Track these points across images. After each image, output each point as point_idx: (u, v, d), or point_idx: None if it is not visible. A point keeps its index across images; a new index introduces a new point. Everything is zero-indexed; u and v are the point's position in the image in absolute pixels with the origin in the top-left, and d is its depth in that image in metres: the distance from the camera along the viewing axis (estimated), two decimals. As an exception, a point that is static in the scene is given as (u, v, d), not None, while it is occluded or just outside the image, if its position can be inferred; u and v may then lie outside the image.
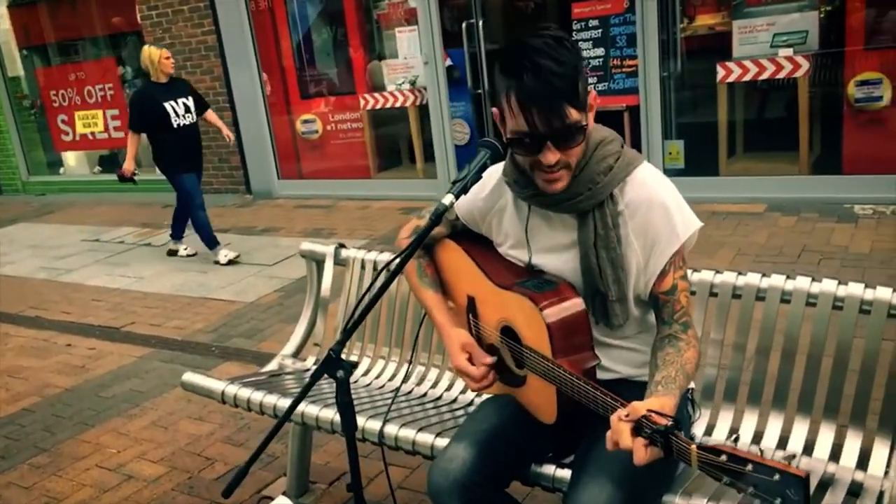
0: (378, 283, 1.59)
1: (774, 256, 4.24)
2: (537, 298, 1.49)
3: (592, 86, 5.98)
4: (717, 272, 1.86)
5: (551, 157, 1.43)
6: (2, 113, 9.44)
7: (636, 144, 5.68)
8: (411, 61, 6.66)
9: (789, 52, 5.11)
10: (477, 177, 1.43)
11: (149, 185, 8.55)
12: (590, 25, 5.99)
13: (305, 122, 7.40)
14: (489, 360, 1.65)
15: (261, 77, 7.33)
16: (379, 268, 2.35)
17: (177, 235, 5.93)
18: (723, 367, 1.86)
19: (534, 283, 1.55)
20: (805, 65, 5.05)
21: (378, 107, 6.93)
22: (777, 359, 1.78)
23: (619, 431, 1.26)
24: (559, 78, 1.38)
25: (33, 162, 9.74)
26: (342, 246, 2.54)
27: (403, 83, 6.77)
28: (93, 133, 8.91)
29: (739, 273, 1.83)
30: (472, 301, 1.73)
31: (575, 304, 1.51)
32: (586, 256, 1.53)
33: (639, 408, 1.26)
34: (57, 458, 3.05)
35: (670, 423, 1.20)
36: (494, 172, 1.65)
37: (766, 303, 1.79)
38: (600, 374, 1.64)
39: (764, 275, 1.79)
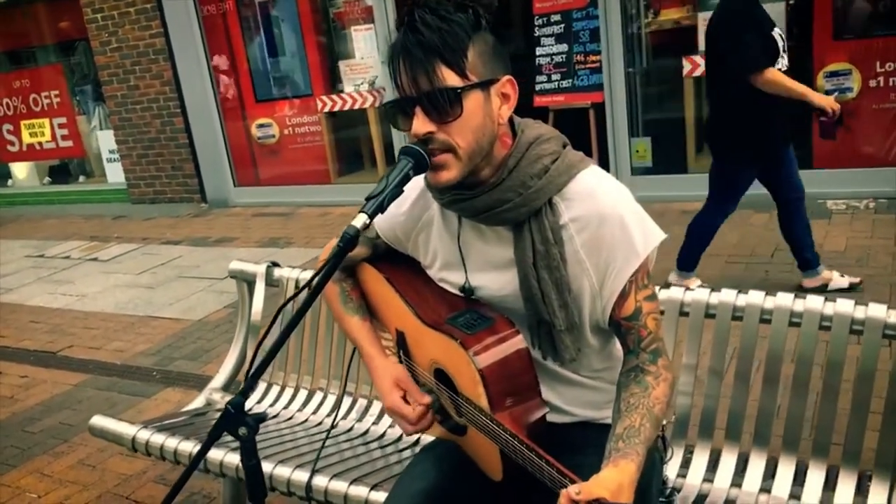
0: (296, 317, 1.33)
1: (747, 257, 4.07)
2: (468, 341, 1.25)
3: (556, 83, 5.78)
4: (688, 289, 1.64)
5: (420, 125, 1.20)
6: (-57, 124, 8.99)
7: (602, 143, 5.50)
8: (369, 61, 6.41)
9: (756, 43, 4.94)
10: (397, 191, 1.18)
11: (96, 195, 8.23)
12: (552, 21, 5.79)
13: (261, 126, 7.10)
14: (426, 399, 1.40)
15: (213, 80, 7.02)
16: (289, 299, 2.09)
17: (690, 266, 3.72)
18: (697, 397, 1.64)
19: (466, 319, 1.30)
20: (773, 57, 4.89)
21: (336, 109, 6.67)
22: (759, 387, 1.57)
23: None
24: (434, 31, 1.18)
25: (-22, 175, 9.32)
26: (275, 265, 2.28)
27: (362, 84, 6.51)
28: (40, 143, 8.51)
29: (713, 290, 1.61)
30: (401, 336, 1.48)
31: (513, 344, 1.26)
32: (526, 279, 1.29)
33: (593, 489, 1.03)
34: (-31, 506, 2.75)
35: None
36: (419, 181, 1.39)
37: (743, 322, 1.57)
38: (556, 417, 1.41)
39: (740, 291, 1.58)
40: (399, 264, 1.52)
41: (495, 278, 1.36)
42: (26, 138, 8.58)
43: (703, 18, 5.16)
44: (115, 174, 8.03)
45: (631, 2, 5.40)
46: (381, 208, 1.16)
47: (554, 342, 1.32)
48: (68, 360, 4.09)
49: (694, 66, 5.14)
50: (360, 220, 1.13)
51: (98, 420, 2.03)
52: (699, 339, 1.64)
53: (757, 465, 1.54)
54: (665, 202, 5.15)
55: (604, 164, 5.50)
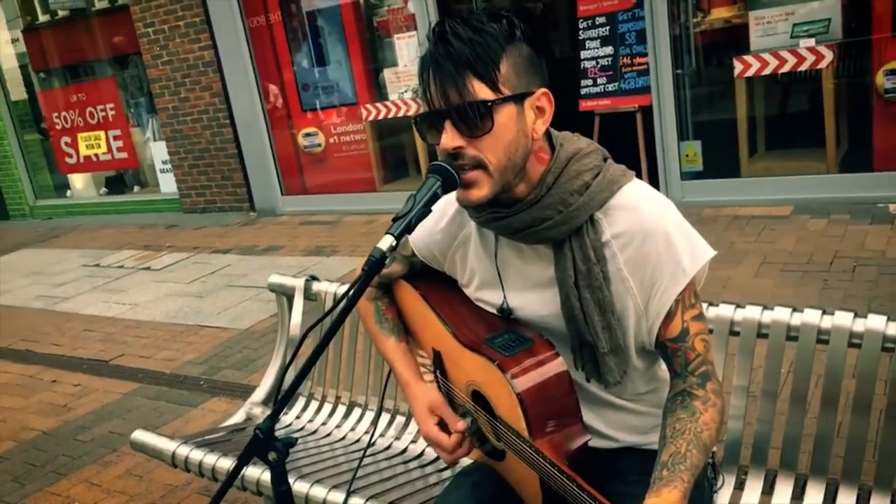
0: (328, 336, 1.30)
1: (804, 264, 3.90)
2: (506, 363, 1.20)
3: (602, 86, 5.68)
4: (739, 306, 1.56)
5: (448, 140, 1.16)
6: (6, 138, 9.33)
7: (650, 147, 5.37)
8: (413, 69, 6.40)
9: (811, 42, 4.77)
10: (425, 210, 1.15)
11: (150, 205, 8.43)
12: (597, 23, 5.69)
13: (307, 135, 7.17)
14: (462, 425, 1.36)
15: (260, 91, 7.12)
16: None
17: None
18: (749, 422, 1.56)
19: (503, 340, 1.26)
20: (829, 55, 4.70)
21: (380, 117, 6.69)
22: (816, 411, 1.47)
23: None
24: (465, 43, 1.13)
25: (40, 186, 9.63)
26: (313, 279, 2.26)
27: (406, 91, 6.51)
28: (96, 154, 8.77)
29: (765, 307, 1.52)
30: (438, 356, 1.44)
31: (552, 367, 1.21)
32: (567, 300, 1.23)
33: None
34: (22, 514, 2.82)
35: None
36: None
37: (799, 343, 1.48)
38: (598, 443, 1.35)
39: (795, 309, 1.49)
40: (436, 282, 1.48)
41: (535, 298, 1.31)
42: (83, 150, 8.85)
43: (755, 17, 5.01)
44: (168, 184, 8.22)
45: (678, 1, 5.27)
46: (409, 229, 1.13)
47: (598, 365, 1.26)
48: (119, 368, 4.17)
49: (745, 66, 4.98)
50: (385, 242, 1.10)
51: (139, 435, 2.04)
52: (751, 359, 1.55)
53: (815, 492, 1.45)
54: (716, 207, 5.00)
55: (652, 168, 5.38)
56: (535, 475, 1.22)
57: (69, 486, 2.97)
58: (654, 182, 5.28)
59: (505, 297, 1.35)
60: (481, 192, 1.19)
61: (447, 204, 1.36)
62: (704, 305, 1.59)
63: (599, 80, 5.72)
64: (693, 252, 1.22)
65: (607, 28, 5.64)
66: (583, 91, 5.77)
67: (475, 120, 1.15)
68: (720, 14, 5.60)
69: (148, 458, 3.04)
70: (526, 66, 1.19)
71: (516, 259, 1.32)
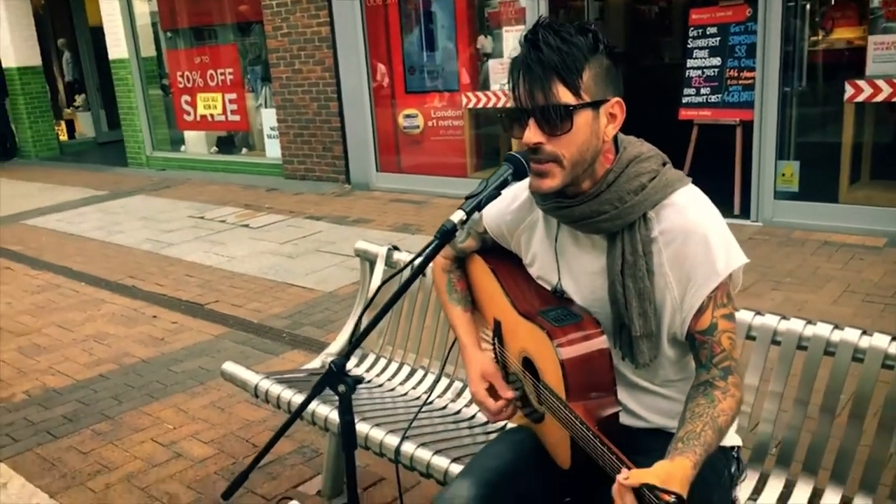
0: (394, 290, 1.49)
1: (887, 297, 3.83)
2: (554, 332, 1.36)
3: (705, 97, 5.65)
4: (783, 318, 1.65)
5: (531, 135, 1.32)
6: (133, 91, 10.04)
7: (746, 161, 5.32)
8: (517, 61, 6.52)
9: (931, 72, 4.62)
10: (495, 193, 1.32)
11: (254, 167, 8.92)
12: (707, 33, 5.66)
13: (408, 116, 7.42)
14: (510, 394, 1.54)
15: (368, 69, 7.41)
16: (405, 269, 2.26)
17: None
18: (778, 426, 1.65)
19: (556, 313, 1.42)
20: (947, 88, 4.54)
21: (479, 105, 6.86)
22: (843, 423, 1.56)
23: (621, 496, 1.12)
24: (554, 51, 1.29)
25: (157, 139, 10.32)
26: (395, 248, 2.46)
27: (507, 83, 6.64)
28: (212, 115, 9.33)
29: (808, 322, 1.61)
30: (498, 325, 1.61)
31: (596, 343, 1.36)
32: (613, 285, 1.39)
33: (641, 475, 1.11)
34: (118, 427, 3.17)
35: (673, 499, 1.04)
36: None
37: (835, 359, 1.56)
38: (629, 421, 1.49)
39: (836, 327, 1.57)
40: (504, 258, 1.65)
41: (586, 283, 1.47)
42: (200, 110, 9.43)
43: (875, 41, 4.87)
44: (273, 150, 8.67)
45: (794, 19, 5.18)
46: (479, 207, 1.30)
47: (632, 346, 1.41)
48: (213, 313, 4.53)
49: (857, 90, 4.86)
50: (457, 216, 1.28)
51: (229, 366, 2.30)
52: (788, 369, 1.64)
53: (833, 497, 1.54)
54: (807, 231, 4.92)
55: (746, 184, 5.33)
56: (567, 435, 1.37)
57: (160, 409, 3.31)
58: (745, 198, 5.24)
59: (559, 278, 1.50)
60: (553, 181, 1.35)
61: (521, 189, 1.53)
62: (752, 314, 1.70)
63: (703, 91, 5.69)
64: (728, 257, 1.35)
65: (717, 39, 5.61)
66: (684, 100, 5.76)
67: (557, 121, 1.31)
68: (838, 34, 5.45)
69: (230, 394, 3.37)
70: (605, 77, 1.34)
71: (573, 247, 1.47)
